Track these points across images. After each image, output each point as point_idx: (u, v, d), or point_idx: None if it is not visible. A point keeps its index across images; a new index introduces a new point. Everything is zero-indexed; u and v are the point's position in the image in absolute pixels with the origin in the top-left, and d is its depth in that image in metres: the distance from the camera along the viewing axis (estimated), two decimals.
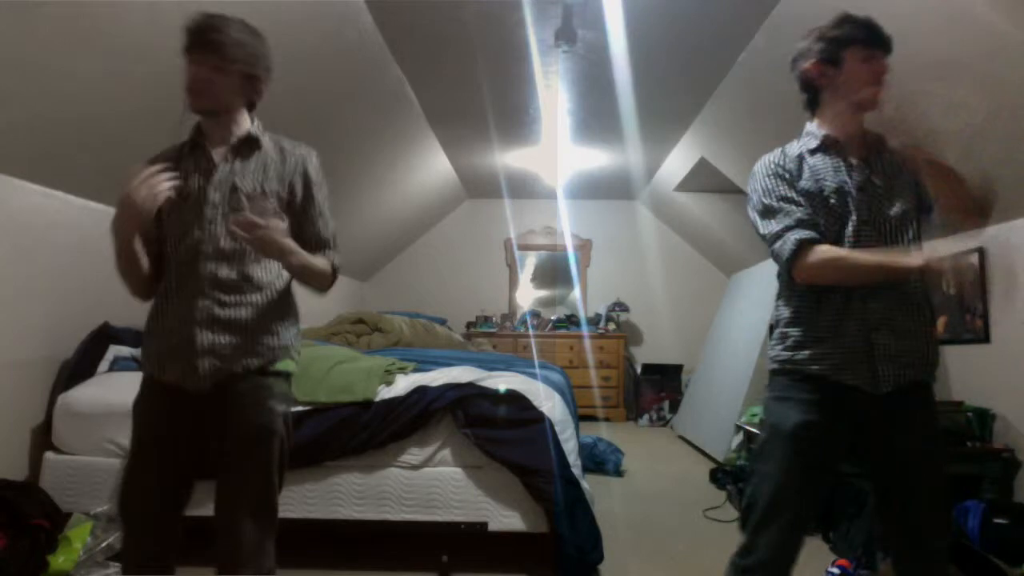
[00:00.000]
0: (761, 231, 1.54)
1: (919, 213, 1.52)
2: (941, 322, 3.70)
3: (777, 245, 1.48)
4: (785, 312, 1.56)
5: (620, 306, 7.05)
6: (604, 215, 7.39)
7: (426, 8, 3.24)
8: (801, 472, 1.47)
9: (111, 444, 2.54)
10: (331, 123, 4.02)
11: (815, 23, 1.54)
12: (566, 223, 7.34)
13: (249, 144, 1.54)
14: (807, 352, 1.48)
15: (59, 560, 2.25)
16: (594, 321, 6.96)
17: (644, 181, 6.54)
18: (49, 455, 2.58)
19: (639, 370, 6.91)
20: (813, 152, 1.54)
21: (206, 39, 1.44)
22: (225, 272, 1.46)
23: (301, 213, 1.56)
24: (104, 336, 2.88)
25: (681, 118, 4.75)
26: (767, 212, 1.51)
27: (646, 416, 6.62)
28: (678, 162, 5.67)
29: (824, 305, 1.48)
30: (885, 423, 1.46)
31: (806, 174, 1.52)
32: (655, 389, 6.68)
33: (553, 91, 4.25)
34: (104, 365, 2.84)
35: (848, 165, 1.51)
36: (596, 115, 4.69)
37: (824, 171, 1.51)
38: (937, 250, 1.52)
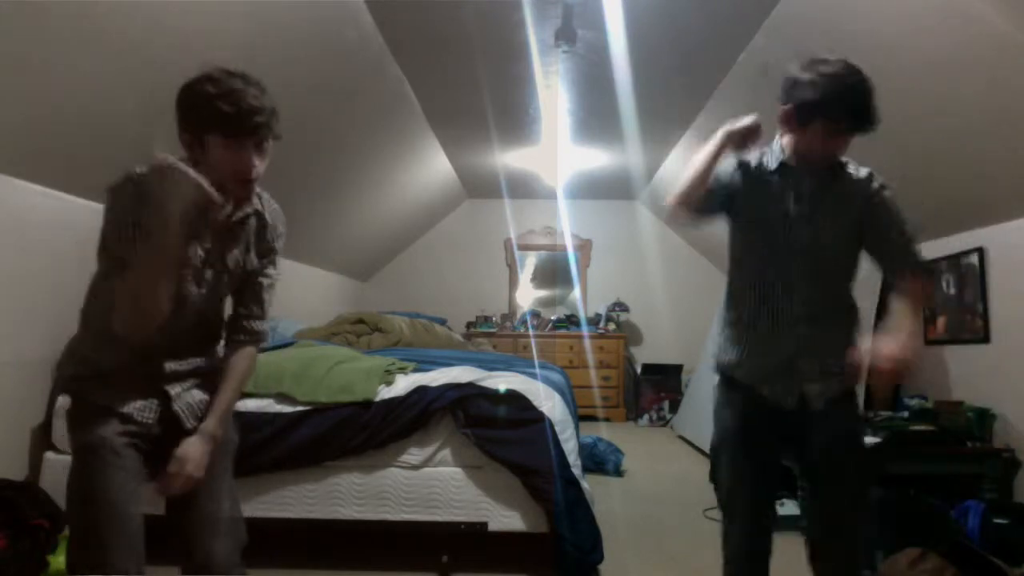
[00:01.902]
0: None
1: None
2: (941, 322, 3.70)
3: None
4: None
5: (620, 306, 7.05)
6: (604, 215, 7.39)
7: (426, 8, 3.24)
8: None
9: None
10: (331, 123, 4.01)
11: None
12: (566, 223, 7.34)
13: (249, 217, 1.47)
14: None
15: (59, 560, 2.25)
16: (594, 321, 6.96)
17: (644, 181, 6.54)
18: (49, 455, 2.58)
19: (639, 370, 6.91)
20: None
21: (259, 124, 1.30)
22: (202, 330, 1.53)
23: (254, 274, 1.51)
24: None
25: (681, 118, 4.75)
26: None
27: (646, 416, 6.62)
28: (678, 162, 5.66)
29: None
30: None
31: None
32: (655, 389, 6.68)
33: (553, 91, 4.25)
34: None
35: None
36: (596, 115, 4.68)
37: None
38: None
